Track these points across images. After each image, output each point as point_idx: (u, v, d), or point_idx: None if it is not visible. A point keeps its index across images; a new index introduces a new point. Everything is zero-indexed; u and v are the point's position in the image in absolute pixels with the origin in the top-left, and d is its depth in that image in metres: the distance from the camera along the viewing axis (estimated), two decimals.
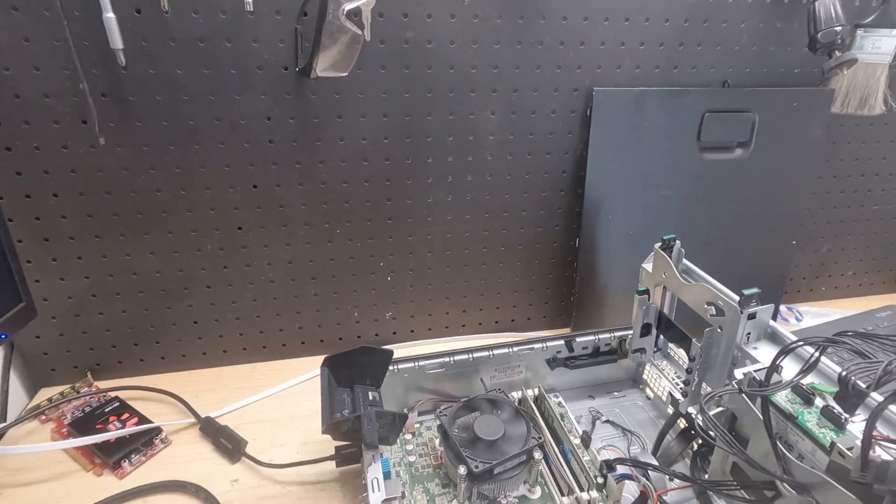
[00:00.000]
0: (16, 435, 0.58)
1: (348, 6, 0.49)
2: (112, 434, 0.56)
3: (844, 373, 0.30)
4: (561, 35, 0.60)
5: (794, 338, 0.40)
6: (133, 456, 0.55)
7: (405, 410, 0.58)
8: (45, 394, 0.65)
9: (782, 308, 0.83)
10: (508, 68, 0.61)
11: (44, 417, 0.60)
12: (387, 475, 0.47)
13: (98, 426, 0.57)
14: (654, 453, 0.55)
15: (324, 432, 0.43)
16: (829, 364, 0.38)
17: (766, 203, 0.72)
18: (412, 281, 0.72)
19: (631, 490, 0.50)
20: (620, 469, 0.50)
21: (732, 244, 0.74)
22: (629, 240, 0.70)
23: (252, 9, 0.51)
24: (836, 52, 0.48)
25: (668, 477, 0.50)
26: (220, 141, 0.58)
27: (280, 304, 0.69)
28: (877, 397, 0.31)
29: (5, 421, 0.60)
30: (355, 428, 0.45)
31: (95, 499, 0.50)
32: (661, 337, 0.59)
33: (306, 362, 0.71)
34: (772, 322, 0.44)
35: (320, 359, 0.49)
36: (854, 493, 0.31)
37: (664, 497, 0.48)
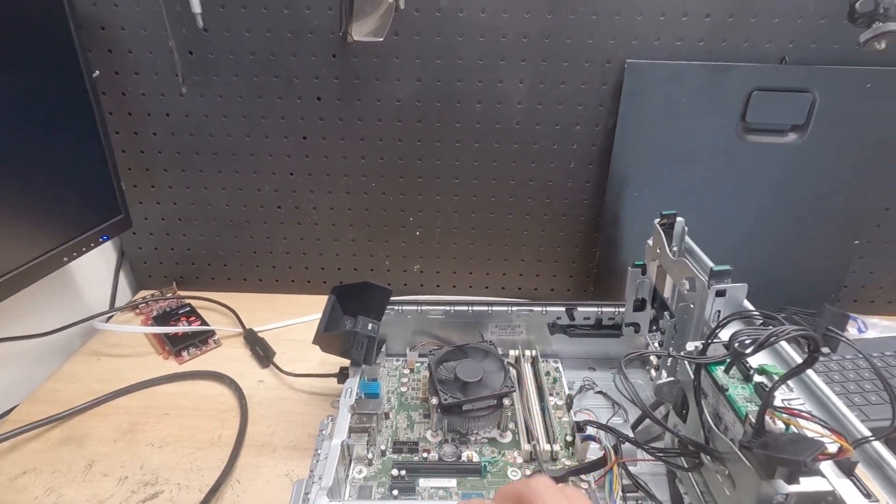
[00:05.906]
0: (118, 319, 0.75)
1: None
2: (180, 329, 0.70)
3: (734, 333, 0.30)
4: (594, 5, 0.60)
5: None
6: (191, 349, 0.68)
7: (408, 349, 0.64)
8: (142, 294, 0.82)
9: None
10: (538, 38, 0.62)
11: (138, 311, 0.76)
12: (376, 395, 0.55)
13: (172, 322, 0.72)
14: (634, 427, 0.56)
15: (313, 342, 0.51)
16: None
17: (822, 195, 0.66)
18: (439, 238, 0.77)
19: (595, 452, 0.52)
20: (589, 430, 0.52)
21: (778, 239, 0.68)
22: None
23: None
24: (877, 22, 0.43)
25: (637, 449, 0.51)
26: (277, 95, 0.68)
27: (322, 245, 0.79)
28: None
29: (114, 308, 0.77)
30: (345, 345, 0.53)
31: (160, 374, 0.63)
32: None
33: None
34: (746, 302, 0.43)
35: None
36: (749, 460, 0.31)
37: (629, 466, 0.50)
